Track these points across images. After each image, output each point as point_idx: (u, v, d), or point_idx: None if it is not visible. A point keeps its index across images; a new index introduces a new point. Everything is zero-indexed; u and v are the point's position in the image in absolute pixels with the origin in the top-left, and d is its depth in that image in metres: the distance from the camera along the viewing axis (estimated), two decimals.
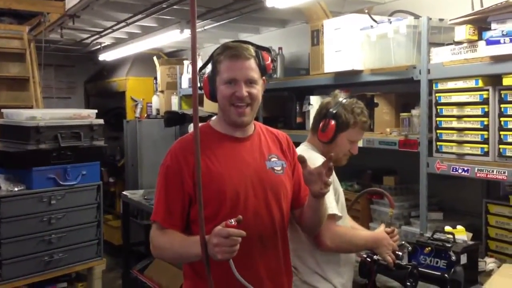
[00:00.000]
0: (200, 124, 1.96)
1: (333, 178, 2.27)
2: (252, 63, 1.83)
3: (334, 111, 2.25)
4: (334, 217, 2.16)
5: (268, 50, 1.92)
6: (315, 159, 2.21)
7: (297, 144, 2.47)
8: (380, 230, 2.32)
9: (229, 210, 1.77)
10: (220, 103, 1.88)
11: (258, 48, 1.90)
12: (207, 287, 1.60)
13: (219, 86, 1.85)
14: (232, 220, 1.58)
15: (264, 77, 1.91)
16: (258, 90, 1.85)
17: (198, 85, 1.83)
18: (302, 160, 1.75)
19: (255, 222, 1.83)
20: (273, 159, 1.93)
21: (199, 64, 2.07)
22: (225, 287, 1.75)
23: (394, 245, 2.27)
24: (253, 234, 1.78)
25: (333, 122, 2.24)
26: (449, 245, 2.33)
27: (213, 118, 2.00)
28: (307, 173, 1.75)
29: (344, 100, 2.29)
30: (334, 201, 2.20)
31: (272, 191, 1.89)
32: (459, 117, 2.53)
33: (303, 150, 2.32)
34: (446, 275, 2.16)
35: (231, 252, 1.56)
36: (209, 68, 1.91)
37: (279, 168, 1.93)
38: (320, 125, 2.28)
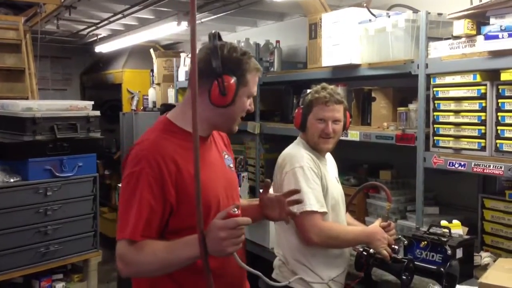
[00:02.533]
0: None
1: (322, 174, 2.29)
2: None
3: (301, 100, 2.38)
4: (316, 213, 2.18)
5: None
6: (300, 157, 2.24)
7: (293, 138, 2.48)
8: (374, 225, 2.33)
9: (213, 217, 1.57)
10: (228, 111, 1.68)
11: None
12: None
13: (241, 97, 1.68)
14: (236, 209, 1.47)
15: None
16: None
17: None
18: (266, 185, 1.72)
19: None
20: (226, 156, 1.88)
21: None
22: None
23: (389, 238, 2.28)
24: None
25: (300, 109, 2.36)
26: (445, 239, 2.34)
27: (171, 112, 1.81)
28: (266, 198, 1.69)
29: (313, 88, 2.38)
30: (321, 196, 2.22)
31: (233, 189, 1.84)
32: (456, 112, 2.53)
33: (293, 146, 2.36)
34: (441, 269, 2.16)
35: (240, 243, 1.46)
36: (231, 69, 1.66)
37: (232, 165, 1.89)
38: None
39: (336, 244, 2.29)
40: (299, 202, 1.81)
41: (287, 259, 2.28)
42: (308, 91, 2.40)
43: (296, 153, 2.27)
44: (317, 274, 2.24)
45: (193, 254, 1.50)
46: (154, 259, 1.56)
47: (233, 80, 1.64)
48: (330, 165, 2.45)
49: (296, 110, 2.39)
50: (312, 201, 2.17)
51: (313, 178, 2.22)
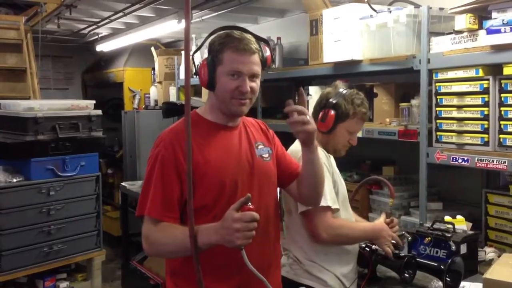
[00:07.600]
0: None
1: (333, 169, 2.27)
2: (257, 57, 1.80)
3: (334, 101, 2.24)
4: (329, 209, 2.14)
5: (267, 42, 1.89)
6: None
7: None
8: (380, 221, 2.31)
9: (228, 199, 1.74)
10: (219, 93, 1.81)
11: (258, 39, 1.86)
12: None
13: (220, 77, 1.79)
14: (250, 203, 1.54)
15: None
16: (258, 84, 1.83)
17: (193, 70, 1.80)
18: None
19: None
20: (260, 147, 1.94)
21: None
22: (227, 277, 1.75)
23: (394, 235, 2.26)
24: None
25: (332, 112, 2.23)
26: (449, 235, 2.33)
27: (201, 107, 1.94)
28: (290, 122, 1.71)
29: (345, 91, 2.28)
30: (333, 192, 2.19)
31: (263, 178, 1.88)
32: (459, 107, 2.52)
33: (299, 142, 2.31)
34: (442, 266, 2.15)
35: (250, 237, 1.53)
36: (205, 53, 1.84)
37: (266, 155, 1.93)
38: (320, 115, 2.27)
39: (345, 241, 2.25)
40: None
41: (298, 258, 2.24)
42: (341, 89, 2.29)
43: None
44: (330, 271, 2.23)
45: (206, 241, 1.58)
46: (173, 241, 1.69)
47: (206, 60, 1.81)
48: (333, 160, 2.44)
49: (328, 112, 2.24)
50: (327, 197, 2.13)
51: (326, 174, 2.20)
